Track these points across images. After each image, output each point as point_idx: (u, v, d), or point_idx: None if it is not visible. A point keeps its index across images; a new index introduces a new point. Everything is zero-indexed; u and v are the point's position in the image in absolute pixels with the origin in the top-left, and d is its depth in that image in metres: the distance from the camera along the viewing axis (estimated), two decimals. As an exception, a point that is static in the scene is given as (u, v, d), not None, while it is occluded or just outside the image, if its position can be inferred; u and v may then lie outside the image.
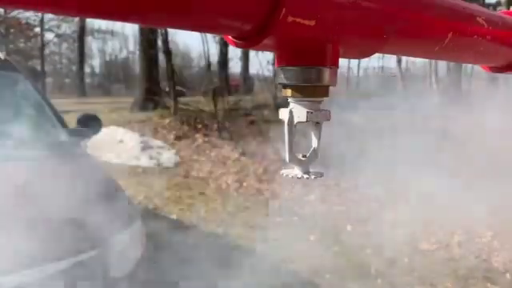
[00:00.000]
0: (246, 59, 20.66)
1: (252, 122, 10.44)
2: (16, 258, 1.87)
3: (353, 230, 4.75)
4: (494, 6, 11.82)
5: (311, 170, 0.43)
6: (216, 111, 10.40)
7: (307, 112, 0.41)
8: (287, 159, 0.43)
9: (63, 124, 2.97)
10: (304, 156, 0.44)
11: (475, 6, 0.58)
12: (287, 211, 5.32)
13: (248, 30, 0.36)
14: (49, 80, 28.55)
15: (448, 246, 4.39)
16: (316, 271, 3.74)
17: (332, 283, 3.60)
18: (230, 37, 0.39)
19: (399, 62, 9.39)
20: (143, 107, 12.54)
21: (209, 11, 0.34)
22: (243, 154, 8.25)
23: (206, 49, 11.91)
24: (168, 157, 8.10)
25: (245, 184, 6.51)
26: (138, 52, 15.93)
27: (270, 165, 7.42)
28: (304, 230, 4.69)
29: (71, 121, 3.37)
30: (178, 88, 12.29)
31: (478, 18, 0.55)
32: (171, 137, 9.32)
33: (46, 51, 27.23)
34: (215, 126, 10.02)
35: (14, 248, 1.90)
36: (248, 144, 8.93)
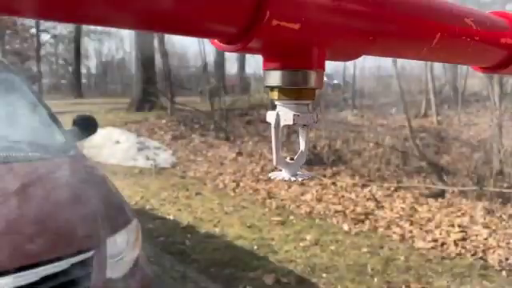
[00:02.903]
0: (242, 59, 20.67)
1: (248, 122, 10.44)
2: (13, 259, 1.86)
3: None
4: (490, 5, 11.84)
5: (299, 173, 0.44)
6: (213, 111, 10.40)
7: (294, 115, 0.41)
8: (274, 162, 0.43)
9: (59, 125, 2.96)
10: (292, 159, 0.44)
11: (463, 7, 0.58)
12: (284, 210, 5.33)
13: (233, 33, 0.36)
14: (45, 81, 28.48)
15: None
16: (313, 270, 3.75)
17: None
18: (215, 40, 0.39)
19: (395, 61, 9.40)
20: (140, 108, 12.54)
21: (193, 15, 0.33)
22: (240, 153, 8.26)
23: (202, 49, 11.90)
24: (165, 157, 8.09)
25: (242, 184, 6.51)
26: (134, 52, 15.90)
27: (266, 164, 7.43)
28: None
29: (67, 122, 3.36)
30: None
31: (465, 19, 0.55)
32: (168, 137, 9.32)
33: (42, 52, 27.16)
34: (212, 126, 10.02)
35: (12, 249, 1.90)
36: (245, 144, 8.94)
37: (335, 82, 19.16)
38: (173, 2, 0.32)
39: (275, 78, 0.41)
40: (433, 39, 0.50)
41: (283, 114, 0.42)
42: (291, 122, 0.42)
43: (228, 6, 0.34)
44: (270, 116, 0.42)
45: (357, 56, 0.45)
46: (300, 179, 0.43)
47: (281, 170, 0.44)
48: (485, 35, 0.57)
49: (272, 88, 0.42)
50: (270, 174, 0.44)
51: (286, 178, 0.43)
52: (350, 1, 0.39)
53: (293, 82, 0.40)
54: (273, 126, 0.42)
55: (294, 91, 0.41)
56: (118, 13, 0.31)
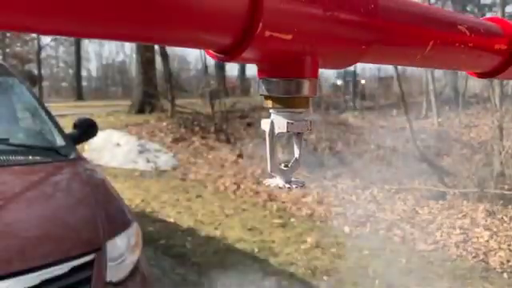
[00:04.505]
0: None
1: (249, 124, 10.44)
2: (13, 262, 1.87)
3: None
4: (490, 6, 11.86)
5: (293, 180, 0.44)
6: (213, 113, 10.41)
7: (287, 123, 0.42)
8: (269, 169, 0.43)
9: (59, 128, 2.97)
10: (286, 166, 0.44)
11: (457, 14, 0.59)
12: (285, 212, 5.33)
13: (227, 44, 0.37)
14: (46, 84, 28.55)
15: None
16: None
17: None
18: (210, 50, 0.40)
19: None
20: (140, 110, 12.54)
21: (187, 26, 0.34)
22: (240, 156, 8.26)
23: (202, 51, 11.85)
24: (165, 160, 8.10)
25: (242, 186, 6.51)
26: (134, 55, 15.93)
27: (267, 166, 7.43)
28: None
29: (68, 124, 3.37)
30: None
31: (459, 26, 0.55)
32: (168, 140, 9.32)
33: (43, 55, 27.23)
34: (212, 128, 10.03)
35: (12, 252, 1.90)
36: (245, 146, 8.94)
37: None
38: (166, 13, 0.32)
39: (269, 86, 0.41)
40: (426, 46, 0.51)
41: (277, 121, 0.42)
42: (285, 130, 0.42)
43: (221, 18, 0.35)
44: (265, 124, 0.43)
45: (350, 64, 0.46)
46: (294, 186, 0.43)
47: (275, 177, 0.45)
48: (478, 41, 0.58)
49: (266, 96, 0.42)
50: (264, 181, 0.45)
51: (280, 185, 0.44)
52: (341, 11, 0.39)
53: (286, 91, 0.41)
54: (267, 133, 0.43)
55: (287, 100, 0.41)
56: (111, 25, 0.31)
